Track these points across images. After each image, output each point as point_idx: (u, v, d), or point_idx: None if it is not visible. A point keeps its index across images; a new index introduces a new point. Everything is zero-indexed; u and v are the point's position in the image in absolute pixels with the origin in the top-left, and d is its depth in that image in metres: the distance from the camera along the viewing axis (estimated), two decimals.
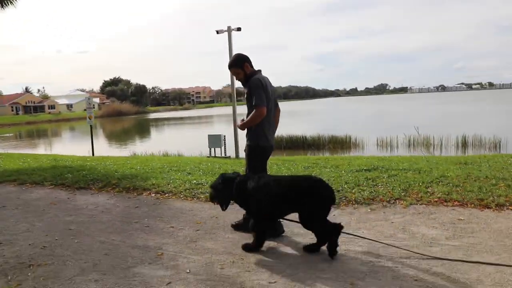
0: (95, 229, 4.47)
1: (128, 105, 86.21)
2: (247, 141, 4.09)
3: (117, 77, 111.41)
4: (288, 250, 3.61)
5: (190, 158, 10.49)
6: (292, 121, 39.74)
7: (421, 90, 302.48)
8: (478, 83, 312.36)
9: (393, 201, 4.88)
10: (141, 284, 3.05)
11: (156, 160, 9.49)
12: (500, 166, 6.40)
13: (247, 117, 4.02)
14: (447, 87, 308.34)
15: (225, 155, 10.92)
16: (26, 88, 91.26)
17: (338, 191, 5.34)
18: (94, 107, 14.34)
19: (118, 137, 35.03)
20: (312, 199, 3.39)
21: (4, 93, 79.33)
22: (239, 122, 4.14)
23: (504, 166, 6.40)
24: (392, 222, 4.20)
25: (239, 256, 3.51)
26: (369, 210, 4.63)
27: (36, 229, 4.55)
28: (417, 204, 4.73)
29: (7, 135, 41.08)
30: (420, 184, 5.43)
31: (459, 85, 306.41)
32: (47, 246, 3.98)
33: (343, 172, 6.54)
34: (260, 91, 3.83)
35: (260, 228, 3.57)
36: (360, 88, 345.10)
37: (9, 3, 12.06)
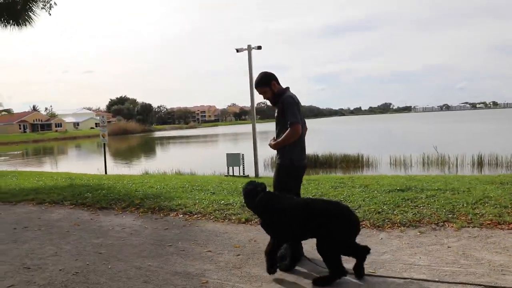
0: (128, 253, 4.19)
1: (134, 123, 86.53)
2: (278, 159, 3.86)
3: (123, 96, 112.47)
4: (350, 280, 3.31)
5: (209, 177, 10.23)
6: None
7: (425, 109, 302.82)
8: (482, 102, 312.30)
9: (442, 223, 4.58)
10: None
11: (174, 179, 9.24)
12: None
13: (277, 136, 3.83)
14: (451, 106, 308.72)
15: (244, 174, 10.65)
16: (34, 107, 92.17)
17: (379, 212, 5.05)
18: (105, 126, 14.14)
19: (126, 155, 34.88)
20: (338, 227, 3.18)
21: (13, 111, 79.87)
22: (271, 142, 3.90)
23: None
24: (449, 247, 3.89)
25: (295, 284, 3.21)
26: (418, 233, 4.33)
27: (64, 253, 4.28)
28: (468, 227, 4.42)
29: (15, 152, 41.07)
30: (465, 205, 5.13)
31: (463, 104, 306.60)
32: (79, 272, 3.70)
33: (375, 192, 6.25)
34: (294, 108, 3.66)
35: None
36: (364, 107, 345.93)
37: (27, 23, 12.02)
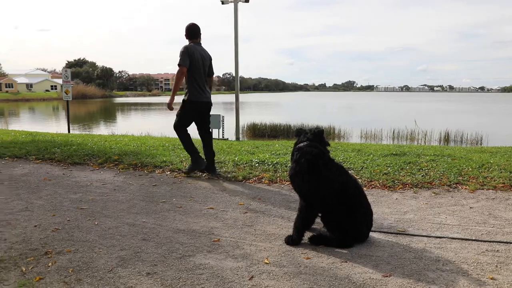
0: (115, 209, 3.61)
1: (93, 88, 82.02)
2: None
3: (81, 58, 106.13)
4: (382, 238, 2.95)
5: None
6: (271, 111, 39.28)
7: (386, 89, 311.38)
8: (440, 86, 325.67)
9: (454, 185, 4.34)
10: (214, 278, 2.29)
11: (149, 139, 8.54)
12: None
13: None
14: (411, 87, 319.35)
15: (223, 137, 10.10)
16: None
17: (386, 174, 4.76)
18: (69, 82, 12.91)
19: (87, 119, 32.97)
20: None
21: None
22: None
23: None
24: (471, 207, 3.64)
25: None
26: (433, 194, 4.06)
27: (37, 208, 3.63)
28: (483, 189, 4.21)
29: None
30: (470, 169, 4.94)
31: (422, 86, 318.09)
32: (59, 228, 3.10)
33: (372, 156, 5.97)
34: (184, 54, 4.68)
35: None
36: (329, 84, 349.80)
37: None
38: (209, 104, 5.03)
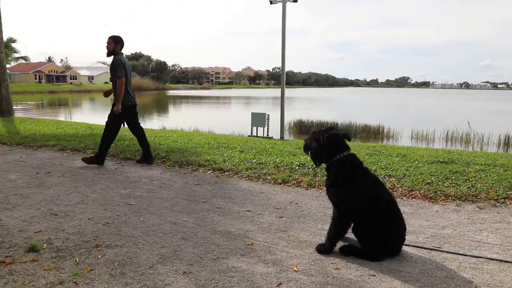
0: (159, 206, 3.87)
1: (148, 80, 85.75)
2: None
3: (138, 52, 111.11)
4: (415, 253, 2.94)
5: (232, 136, 9.84)
6: (318, 107, 38.82)
7: (444, 86, 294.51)
8: (504, 83, 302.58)
9: (502, 200, 4.15)
10: (243, 281, 2.43)
11: (196, 136, 8.89)
12: None
13: (113, 85, 5.55)
14: (471, 84, 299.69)
15: (268, 135, 10.24)
16: (49, 58, 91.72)
17: (428, 183, 4.64)
18: None
19: (140, 111, 34.61)
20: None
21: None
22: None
23: None
24: None
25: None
26: (477, 209, 3.92)
27: (91, 201, 3.99)
28: None
29: (32, 102, 41.16)
30: None
31: (484, 83, 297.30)
32: (109, 222, 3.40)
33: (417, 162, 5.81)
34: (121, 67, 5.35)
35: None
36: (381, 79, 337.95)
37: None
38: (135, 105, 5.81)
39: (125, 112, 5.58)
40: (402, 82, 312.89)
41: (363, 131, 18.99)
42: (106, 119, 5.65)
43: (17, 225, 3.27)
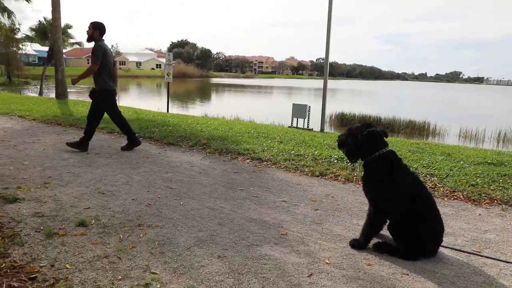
0: (198, 192, 4.02)
1: (193, 67, 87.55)
2: (96, 86, 5.61)
3: (184, 39, 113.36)
4: (452, 256, 2.88)
5: (272, 126, 9.90)
6: (362, 100, 37.89)
7: (499, 82, 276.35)
8: None
9: None
10: (275, 269, 2.50)
11: (237, 124, 9.03)
12: None
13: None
14: None
15: (308, 127, 10.20)
16: None
17: (473, 185, 4.45)
18: (170, 65, 14.06)
19: (184, 97, 35.47)
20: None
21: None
22: (73, 78, 5.58)
23: None
24: None
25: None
26: None
27: (135, 183, 4.21)
28: None
29: (83, 86, 43.34)
30: None
31: None
32: (151, 204, 3.59)
33: (462, 162, 5.58)
34: (99, 53, 5.41)
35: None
36: (430, 73, 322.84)
37: None
38: (115, 91, 5.76)
39: (102, 96, 5.57)
40: (453, 77, 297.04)
41: (407, 127, 18.37)
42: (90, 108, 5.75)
43: (69, 201, 3.53)
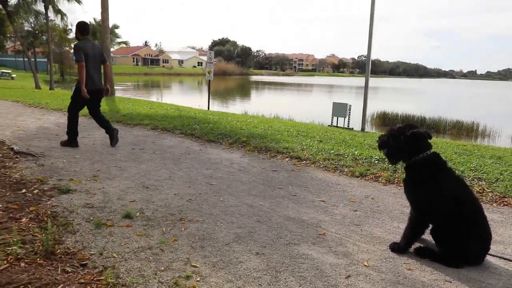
0: (237, 189, 4.10)
1: (233, 65, 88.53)
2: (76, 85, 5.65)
3: (225, 37, 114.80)
4: (500, 265, 2.75)
5: (311, 125, 9.85)
6: (405, 98, 36.64)
7: None
8: None
9: None
10: (312, 269, 2.51)
11: (276, 122, 9.05)
12: None
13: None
14: None
15: (348, 126, 10.04)
16: (146, 42, 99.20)
17: None
18: (211, 63, 14.32)
19: (224, 94, 35.99)
20: None
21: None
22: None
23: None
24: None
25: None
26: None
27: (177, 178, 4.35)
28: None
29: (129, 83, 45.12)
30: None
31: None
32: (192, 199, 3.70)
33: None
34: (79, 52, 5.40)
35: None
36: (480, 71, 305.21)
37: None
38: (100, 90, 5.70)
39: (77, 91, 5.55)
40: (507, 75, 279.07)
41: (453, 128, 17.57)
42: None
43: (116, 194, 3.72)
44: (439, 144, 7.20)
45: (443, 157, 2.85)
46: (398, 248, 2.81)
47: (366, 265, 2.59)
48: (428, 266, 2.62)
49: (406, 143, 2.72)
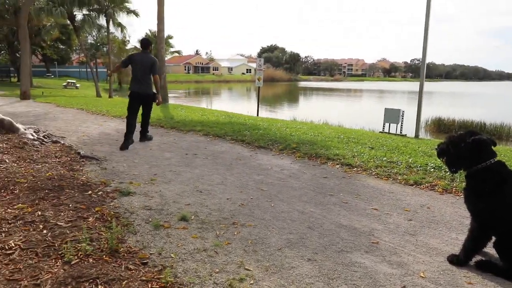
0: (288, 195, 4.13)
1: (281, 72, 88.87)
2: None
3: (273, 44, 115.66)
4: None
5: (362, 131, 9.65)
6: (463, 103, 34.68)
7: None
8: None
9: None
10: (366, 278, 2.48)
11: (326, 129, 8.98)
12: None
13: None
14: None
15: (401, 132, 9.71)
16: (197, 51, 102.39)
17: None
18: (261, 70, 14.50)
19: (273, 101, 36.20)
20: None
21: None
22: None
23: None
24: None
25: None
26: None
27: (229, 183, 4.47)
28: None
29: (181, 91, 46.83)
30: None
31: None
32: (244, 204, 3.79)
33: None
34: (125, 60, 6.65)
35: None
36: None
37: None
38: (140, 94, 6.45)
39: (131, 96, 6.52)
40: None
41: None
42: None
43: (172, 197, 3.91)
44: (503, 152, 6.75)
45: (509, 166, 2.70)
46: (457, 261, 2.70)
47: (422, 277, 2.51)
48: (490, 281, 2.49)
49: (467, 151, 2.61)
